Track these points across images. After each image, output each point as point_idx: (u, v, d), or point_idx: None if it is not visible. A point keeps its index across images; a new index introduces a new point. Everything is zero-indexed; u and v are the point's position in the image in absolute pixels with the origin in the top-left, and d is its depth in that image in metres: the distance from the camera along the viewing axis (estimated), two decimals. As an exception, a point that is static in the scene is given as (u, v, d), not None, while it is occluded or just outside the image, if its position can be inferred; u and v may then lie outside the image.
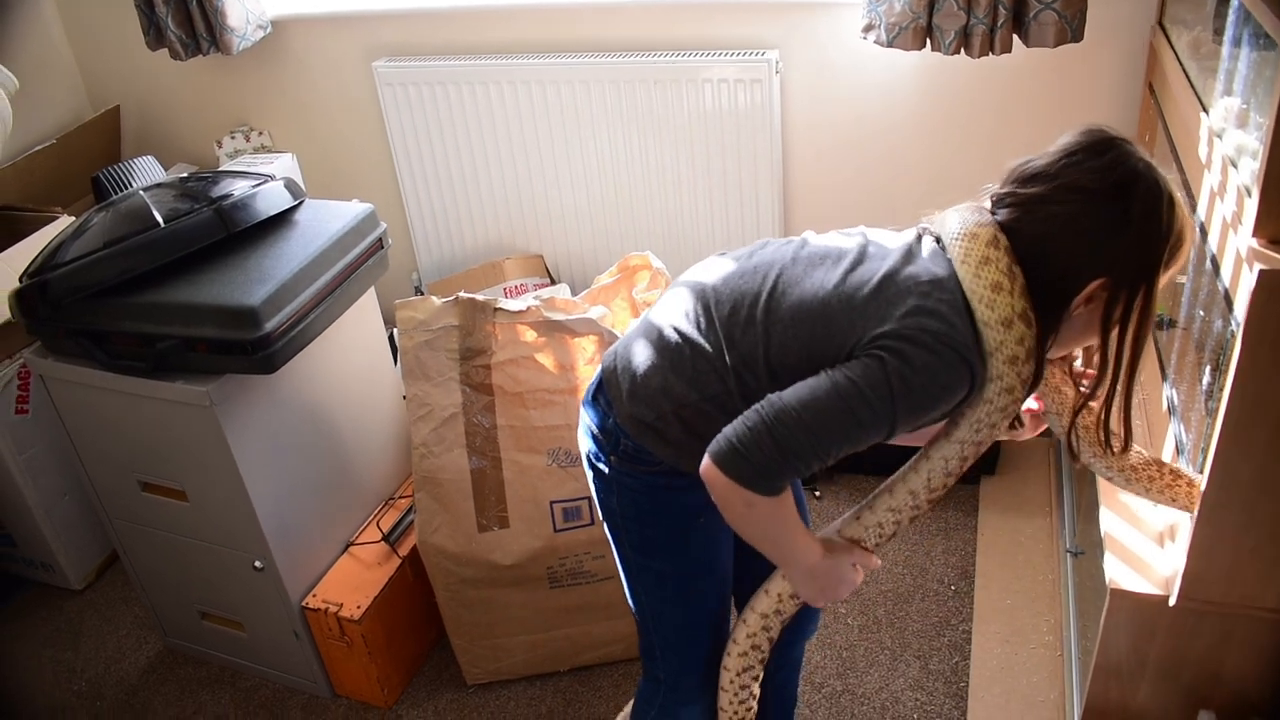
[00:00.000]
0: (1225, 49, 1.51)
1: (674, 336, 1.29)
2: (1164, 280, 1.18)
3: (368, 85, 2.69)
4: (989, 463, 2.55)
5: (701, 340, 1.27)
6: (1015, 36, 2.08)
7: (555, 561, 1.98)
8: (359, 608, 2.00)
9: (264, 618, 2.10)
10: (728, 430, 1.17)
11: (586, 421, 1.41)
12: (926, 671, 2.08)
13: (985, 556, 2.33)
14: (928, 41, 2.13)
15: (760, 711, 1.78)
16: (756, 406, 1.17)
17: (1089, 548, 2.01)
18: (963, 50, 2.10)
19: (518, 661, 2.12)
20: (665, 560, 1.44)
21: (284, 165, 2.70)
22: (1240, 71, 1.45)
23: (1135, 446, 1.40)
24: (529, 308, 1.91)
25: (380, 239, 2.05)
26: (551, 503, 1.94)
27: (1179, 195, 1.16)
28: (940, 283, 1.17)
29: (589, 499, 1.95)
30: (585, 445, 1.43)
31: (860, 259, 1.22)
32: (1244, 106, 1.44)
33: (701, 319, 1.28)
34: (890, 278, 1.18)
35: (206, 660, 2.30)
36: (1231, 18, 1.49)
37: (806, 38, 2.37)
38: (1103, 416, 1.27)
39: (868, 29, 2.18)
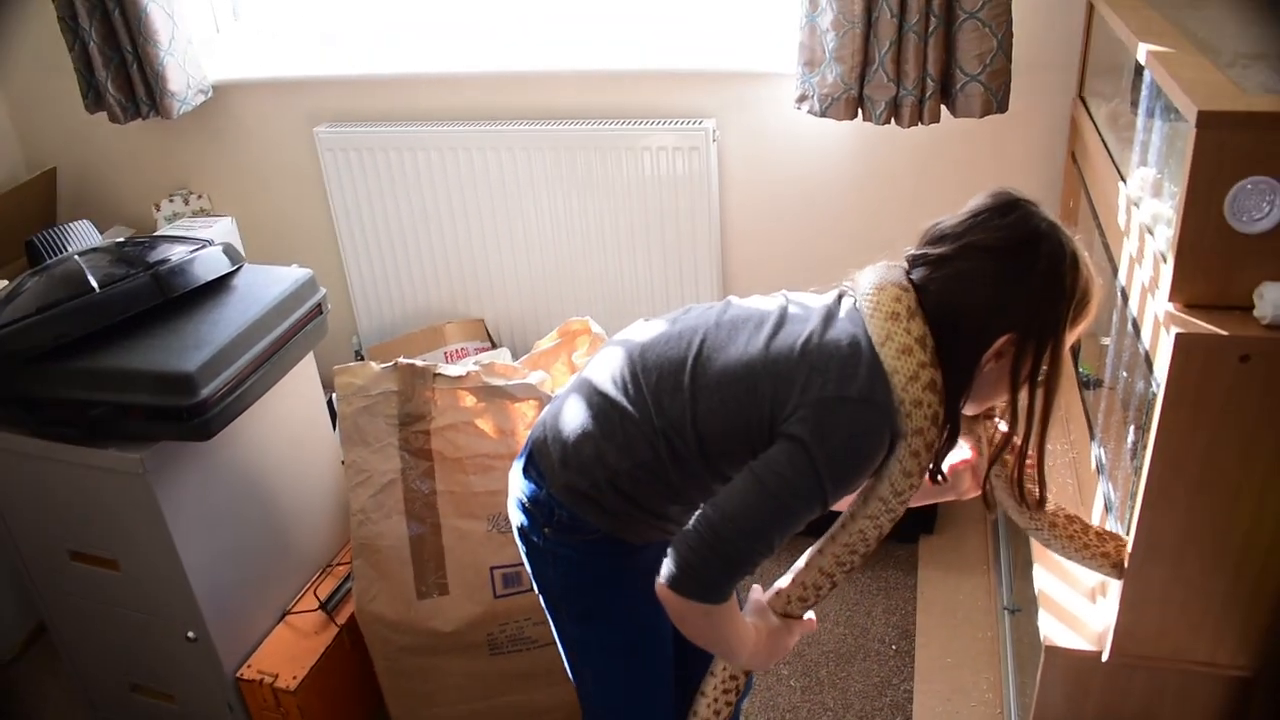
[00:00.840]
0: (1140, 120, 1.58)
1: (602, 404, 1.30)
2: (1071, 337, 1.22)
3: (309, 150, 2.70)
4: (927, 522, 2.58)
5: (630, 406, 1.28)
6: (943, 107, 2.16)
7: (496, 628, 1.96)
8: (295, 678, 1.95)
9: (197, 690, 2.04)
10: (672, 553, 1.19)
11: (518, 494, 1.40)
12: (869, 732, 2.08)
13: (925, 615, 2.35)
14: (859, 111, 2.19)
15: None
16: (694, 525, 1.19)
17: (1024, 605, 2.04)
18: (893, 120, 2.17)
19: (459, 730, 2.08)
20: (608, 630, 1.43)
21: (223, 229, 2.69)
22: (1154, 143, 1.51)
23: (1059, 506, 1.43)
24: (468, 373, 1.91)
25: (319, 304, 2.04)
26: (492, 568, 1.93)
27: (1084, 254, 1.20)
28: (856, 343, 1.19)
29: (529, 564, 1.94)
30: (516, 519, 1.42)
31: (781, 322, 1.25)
32: (1158, 176, 1.50)
33: (629, 385, 1.29)
34: (811, 342, 1.21)
35: (136, 737, 2.23)
36: (1145, 91, 1.56)
37: (742, 107, 2.43)
38: (1015, 470, 1.30)
39: (801, 99, 2.24)
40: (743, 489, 1.19)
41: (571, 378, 1.43)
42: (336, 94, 2.67)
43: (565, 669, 1.50)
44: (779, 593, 1.36)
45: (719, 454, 1.25)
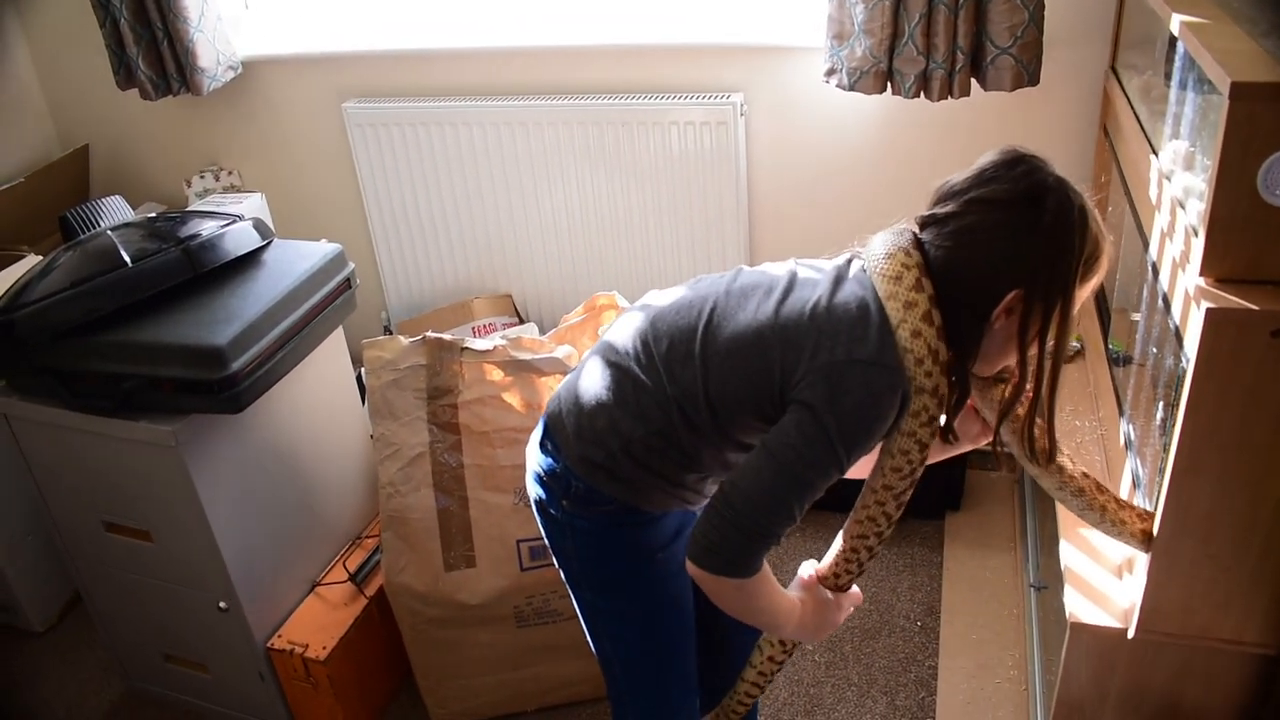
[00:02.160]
0: (1172, 93, 1.56)
1: (615, 374, 1.30)
2: (1082, 294, 1.20)
3: (338, 126, 2.71)
4: (954, 498, 2.58)
5: (642, 375, 1.28)
6: (973, 80, 2.14)
7: (522, 601, 1.97)
8: (324, 648, 1.98)
9: (228, 659, 2.08)
10: (696, 532, 1.21)
11: (535, 468, 1.41)
12: (893, 707, 2.08)
13: (951, 591, 2.35)
14: (888, 85, 2.18)
15: None
16: (714, 501, 1.21)
17: (1051, 581, 2.03)
18: (922, 94, 2.15)
19: (484, 702, 2.10)
20: (627, 601, 1.44)
21: (253, 205, 2.71)
22: (1187, 115, 1.49)
23: (1080, 468, 1.41)
24: (496, 347, 1.92)
25: (348, 279, 2.06)
26: (518, 541, 1.94)
27: (1092, 210, 1.18)
28: (865, 305, 1.19)
29: (555, 537, 1.95)
30: (534, 492, 1.43)
31: (790, 288, 1.24)
32: (1191, 149, 1.48)
33: (641, 355, 1.29)
34: (820, 306, 1.20)
35: (170, 703, 2.27)
36: (1178, 63, 1.54)
37: (770, 81, 2.41)
38: (1026, 427, 1.28)
39: (830, 73, 2.22)
40: (757, 464, 1.20)
41: (586, 352, 1.43)
42: (365, 69, 2.68)
43: (588, 641, 1.51)
44: (825, 567, 1.37)
45: (732, 421, 1.25)
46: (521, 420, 1.93)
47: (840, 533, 1.35)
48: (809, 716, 2.08)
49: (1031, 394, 1.24)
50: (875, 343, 1.17)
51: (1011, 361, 1.25)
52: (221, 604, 1.96)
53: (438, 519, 1.94)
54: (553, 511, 1.39)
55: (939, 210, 1.21)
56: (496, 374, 1.93)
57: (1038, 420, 1.30)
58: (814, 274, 1.27)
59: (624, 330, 1.34)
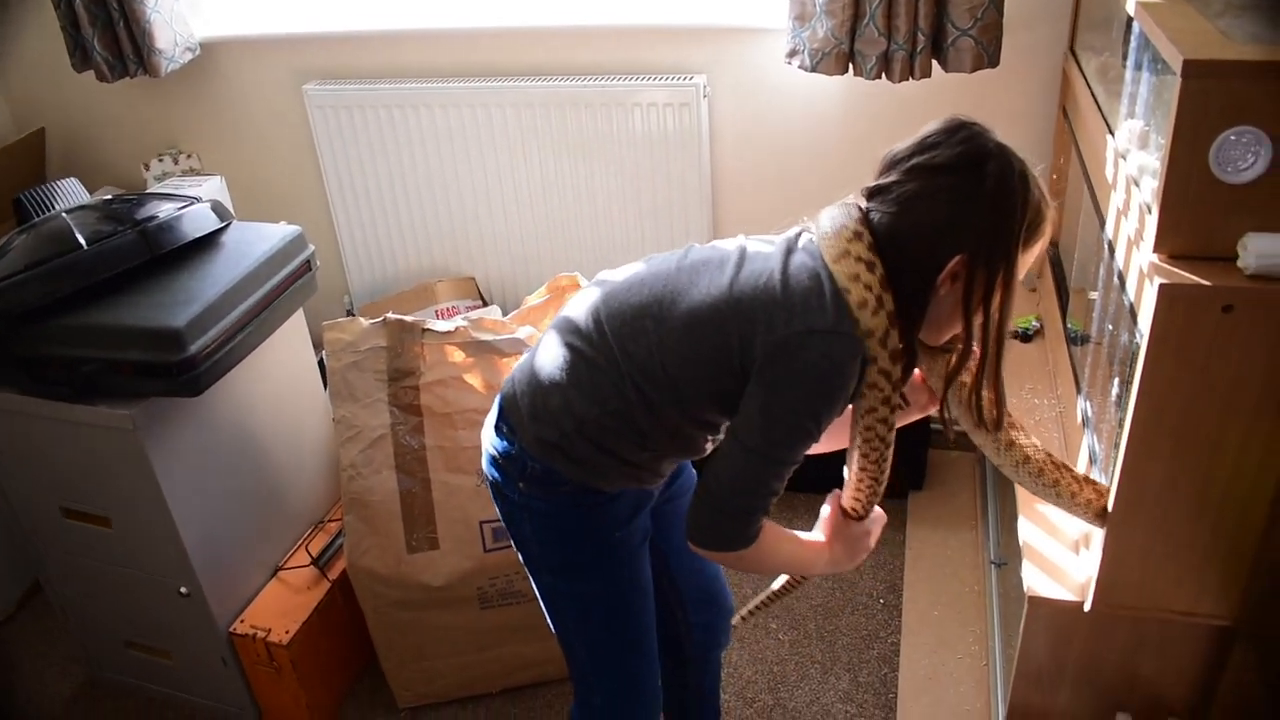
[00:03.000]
0: (1128, 73, 1.57)
1: (567, 354, 1.30)
2: (1026, 259, 1.21)
3: (298, 108, 2.68)
4: (916, 478, 2.60)
5: (595, 354, 1.28)
6: (934, 62, 2.15)
7: (485, 582, 1.97)
8: (288, 632, 1.97)
9: (191, 645, 2.06)
10: (687, 515, 1.26)
11: (490, 451, 1.41)
12: (856, 684, 2.10)
13: (913, 569, 2.37)
14: (850, 66, 2.18)
15: None
16: (698, 486, 1.26)
17: (1011, 558, 2.06)
18: (884, 75, 2.16)
19: (449, 684, 2.10)
20: (587, 581, 1.44)
21: (212, 188, 2.68)
22: (1142, 94, 1.51)
23: (1034, 444, 1.43)
24: (457, 328, 1.91)
25: (308, 260, 2.04)
26: (481, 523, 1.94)
27: (1034, 175, 1.19)
28: (817, 276, 1.19)
29: (520, 519, 1.95)
30: (490, 475, 1.43)
31: (742, 262, 1.25)
32: (1145, 128, 1.50)
33: (594, 334, 1.29)
34: (774, 279, 1.21)
35: (132, 691, 2.25)
36: (1133, 43, 1.55)
37: (733, 63, 2.41)
38: (972, 394, 1.30)
39: (792, 54, 2.23)
40: (729, 451, 1.22)
41: (539, 336, 1.43)
42: (325, 51, 2.66)
43: (548, 624, 1.51)
44: (846, 500, 1.39)
45: (689, 397, 1.25)
46: (483, 401, 1.93)
47: (846, 466, 1.37)
48: (773, 694, 2.10)
49: (978, 361, 1.25)
50: (831, 312, 1.17)
51: (958, 329, 1.26)
52: (183, 589, 1.95)
53: (400, 501, 1.93)
54: (509, 494, 1.39)
55: (883, 180, 1.22)
56: (458, 355, 1.92)
57: (985, 388, 1.31)
58: (765, 248, 1.27)
59: (576, 310, 1.33)
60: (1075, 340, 1.95)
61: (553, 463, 1.32)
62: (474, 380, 1.93)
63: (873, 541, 1.42)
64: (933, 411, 1.43)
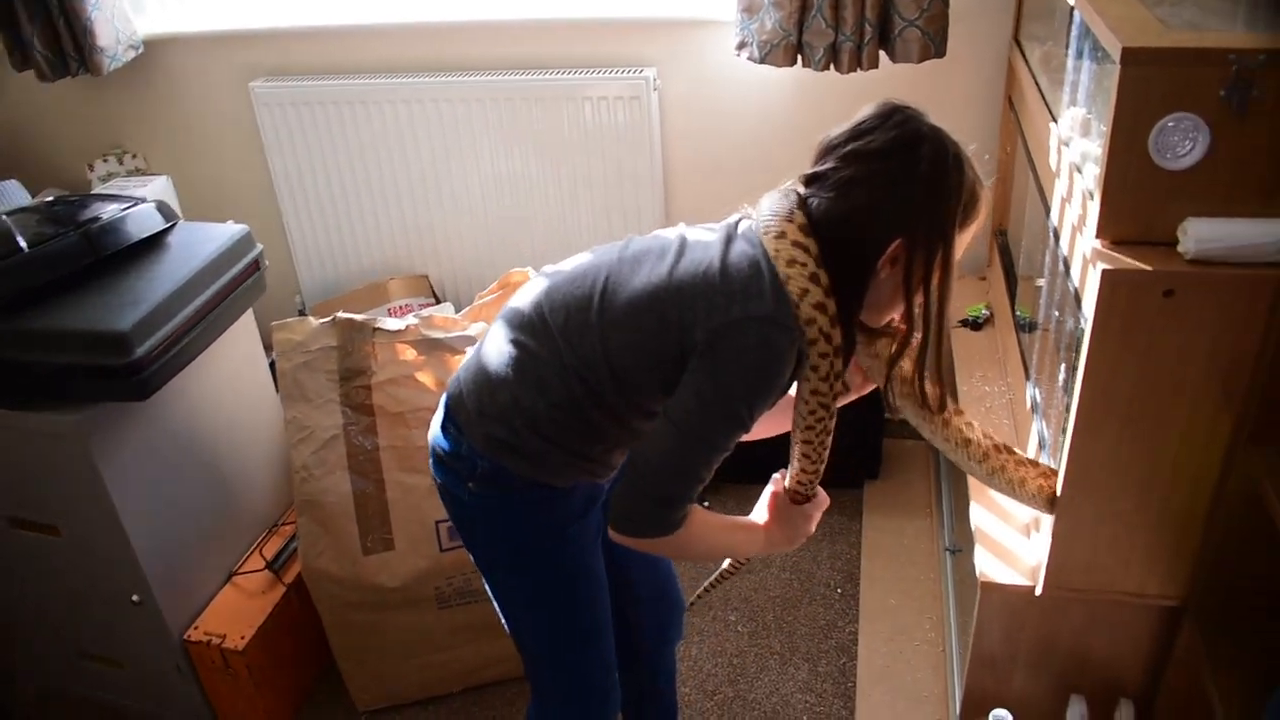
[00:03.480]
0: (1069, 61, 1.59)
1: (512, 350, 1.30)
2: (963, 239, 1.22)
3: (245, 106, 2.65)
4: (872, 467, 2.62)
5: (540, 348, 1.27)
6: (882, 53, 2.16)
7: (442, 581, 1.96)
8: (243, 638, 1.95)
9: (144, 654, 2.03)
10: (613, 500, 1.25)
11: (437, 452, 1.40)
12: (815, 674, 2.11)
13: (869, 558, 2.39)
14: (799, 58, 2.19)
15: None
16: (625, 471, 1.24)
17: (964, 545, 2.08)
18: (832, 66, 2.17)
19: (409, 685, 2.09)
20: (541, 579, 1.43)
21: (158, 188, 2.64)
22: (1083, 82, 1.52)
23: (982, 432, 1.44)
24: (408, 326, 1.90)
25: (256, 260, 2.01)
26: (437, 522, 1.93)
27: (967, 156, 1.20)
28: (757, 263, 1.20)
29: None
30: (438, 477, 1.41)
31: (683, 250, 1.25)
32: (1088, 116, 1.52)
33: (538, 328, 1.28)
34: (714, 266, 1.21)
35: (85, 701, 2.21)
36: (1074, 32, 1.57)
37: (683, 55, 2.41)
38: (916, 375, 1.31)
39: (741, 46, 2.23)
40: (662, 433, 1.21)
41: (480, 337, 1.42)
42: (272, 47, 2.62)
43: (503, 624, 1.51)
44: (790, 481, 1.40)
45: (633, 387, 1.25)
46: (436, 399, 1.89)
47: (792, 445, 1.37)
48: (733, 685, 2.10)
49: (919, 342, 1.25)
50: (770, 299, 1.17)
51: (898, 311, 1.27)
52: (135, 597, 1.92)
53: (354, 502, 1.91)
54: (459, 495, 1.38)
55: (820, 166, 1.22)
56: (410, 354, 1.91)
57: (927, 369, 1.32)
58: (705, 236, 1.28)
59: (519, 306, 1.33)
60: (1024, 327, 1.97)
61: (503, 460, 1.31)
62: (426, 379, 1.91)
63: (813, 525, 1.43)
64: (867, 392, 1.44)
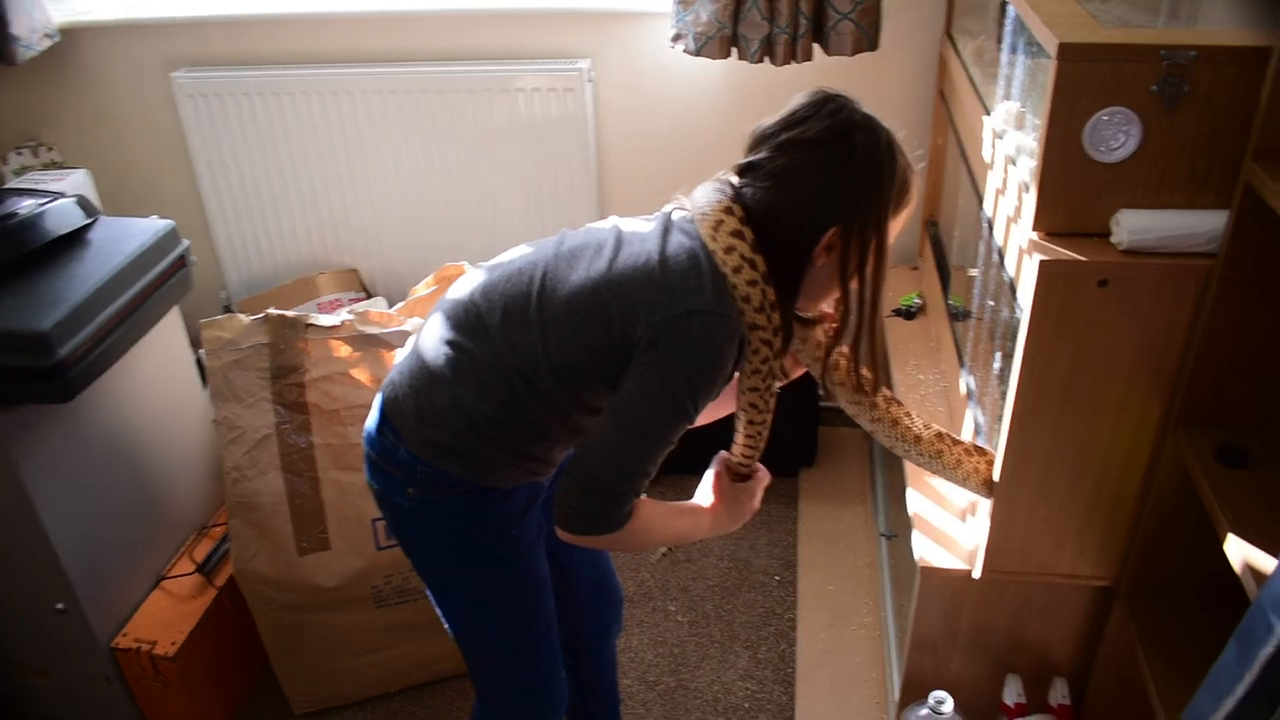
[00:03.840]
0: (1003, 55, 1.62)
1: (450, 352, 1.27)
2: (895, 226, 1.23)
3: (166, 97, 2.57)
4: (808, 456, 2.64)
5: (480, 350, 1.25)
6: (816, 45, 2.17)
7: (380, 580, 1.93)
8: (174, 644, 1.90)
9: (70, 663, 1.96)
10: (557, 499, 1.23)
11: (374, 458, 1.36)
12: (756, 660, 2.13)
13: (806, 545, 2.41)
14: (734, 50, 2.20)
15: (586, 716, 1.79)
16: (569, 468, 1.23)
17: (900, 530, 2.11)
18: (767, 58, 2.18)
19: (347, 686, 2.06)
20: (486, 581, 1.41)
21: (76, 182, 2.55)
22: (1018, 76, 1.55)
23: (918, 418, 1.47)
24: (343, 322, 1.86)
25: (182, 256, 1.96)
26: (374, 521, 1.90)
27: (899, 143, 1.21)
28: (695, 255, 1.20)
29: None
30: (375, 483, 1.38)
31: (620, 244, 1.24)
32: (1021, 109, 1.55)
33: (476, 328, 1.26)
34: (653, 260, 1.20)
35: (10, 711, 2.13)
36: (1008, 27, 1.60)
37: (617, 47, 2.40)
38: (851, 362, 1.33)
39: (676, 38, 2.23)
40: (607, 428, 1.21)
41: (411, 337, 1.39)
42: (194, 36, 2.55)
43: (447, 630, 1.48)
44: (733, 458, 1.41)
45: (576, 384, 1.24)
46: (371, 396, 1.86)
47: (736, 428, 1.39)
48: (675, 675, 2.11)
49: (855, 328, 1.26)
50: (710, 291, 1.17)
51: (833, 298, 1.28)
52: (59, 605, 1.85)
53: (288, 502, 1.87)
54: (398, 501, 1.35)
55: (754, 156, 1.22)
56: (344, 350, 1.87)
57: (862, 353, 1.33)
58: (641, 228, 1.27)
59: (454, 306, 1.30)
60: (957, 316, 2.01)
61: (445, 465, 1.29)
62: (361, 375, 1.88)
63: (757, 502, 1.44)
64: (798, 376, 1.46)
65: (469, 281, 1.32)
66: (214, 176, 2.61)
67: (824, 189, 1.19)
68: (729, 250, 1.19)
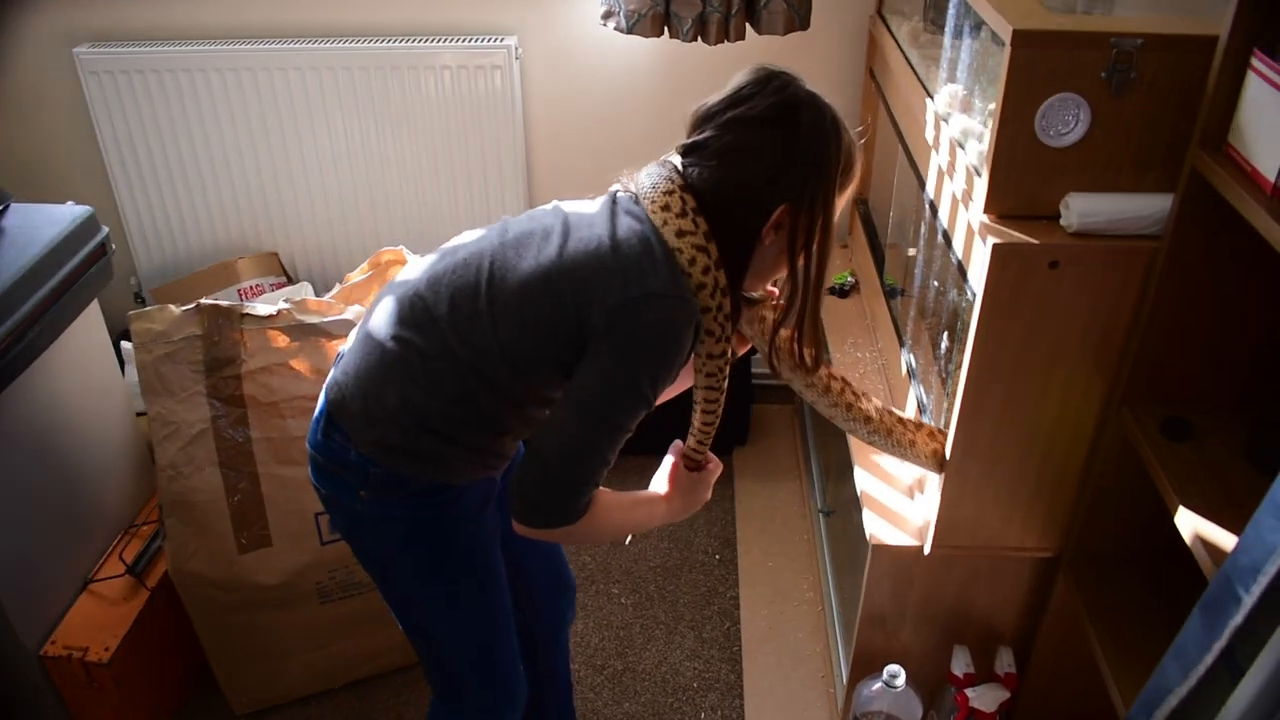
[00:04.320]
0: (947, 39, 1.64)
1: (396, 348, 1.23)
2: (841, 201, 1.25)
3: (69, 74, 2.43)
4: (741, 434, 2.67)
5: (429, 345, 1.22)
6: (748, 24, 2.17)
7: (325, 575, 1.89)
8: (107, 649, 1.83)
9: (-6, 672, 1.88)
10: (513, 492, 1.22)
11: (320, 462, 1.32)
12: (701, 640, 2.15)
13: (744, 523, 2.44)
14: (666, 29, 2.18)
15: (539, 703, 1.78)
16: (526, 460, 1.21)
17: (838, 506, 2.15)
18: (699, 38, 2.17)
19: (290, 683, 2.01)
20: (447, 580, 1.38)
21: (-29, 165, 2.41)
22: (963, 60, 1.57)
23: (871, 399, 1.49)
24: (280, 311, 1.80)
25: (103, 244, 1.87)
26: (317, 515, 1.85)
27: (843, 120, 1.23)
28: (647, 239, 1.19)
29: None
30: (323, 488, 1.33)
31: (568, 230, 1.22)
32: (966, 93, 1.57)
33: (422, 322, 1.23)
34: (604, 245, 1.19)
35: (-79, 727, 2.04)
36: (951, 11, 1.62)
37: (545, 24, 2.36)
38: (796, 336, 1.33)
39: (607, 16, 2.20)
40: (564, 417, 1.19)
41: (352, 332, 1.35)
42: (97, 9, 2.41)
43: (403, 632, 1.46)
44: (690, 446, 1.41)
45: (531, 374, 1.22)
46: (312, 387, 1.83)
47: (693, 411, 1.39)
48: (621, 658, 2.12)
49: (800, 305, 1.27)
50: (664, 274, 1.17)
51: (780, 275, 1.28)
52: (-19, 613, 1.77)
53: (226, 499, 1.81)
54: (348, 504, 1.31)
55: (698, 136, 1.22)
56: (282, 340, 1.81)
57: (805, 328, 1.33)
58: (587, 211, 1.25)
59: (398, 299, 1.26)
60: (892, 294, 2.04)
61: (397, 464, 1.26)
62: (300, 365, 1.82)
63: (709, 492, 1.44)
64: (742, 354, 1.46)
65: (411, 272, 1.28)
66: (122, 157, 2.49)
67: (772, 167, 1.19)
68: (680, 233, 1.19)
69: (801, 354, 1.36)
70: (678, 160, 1.24)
